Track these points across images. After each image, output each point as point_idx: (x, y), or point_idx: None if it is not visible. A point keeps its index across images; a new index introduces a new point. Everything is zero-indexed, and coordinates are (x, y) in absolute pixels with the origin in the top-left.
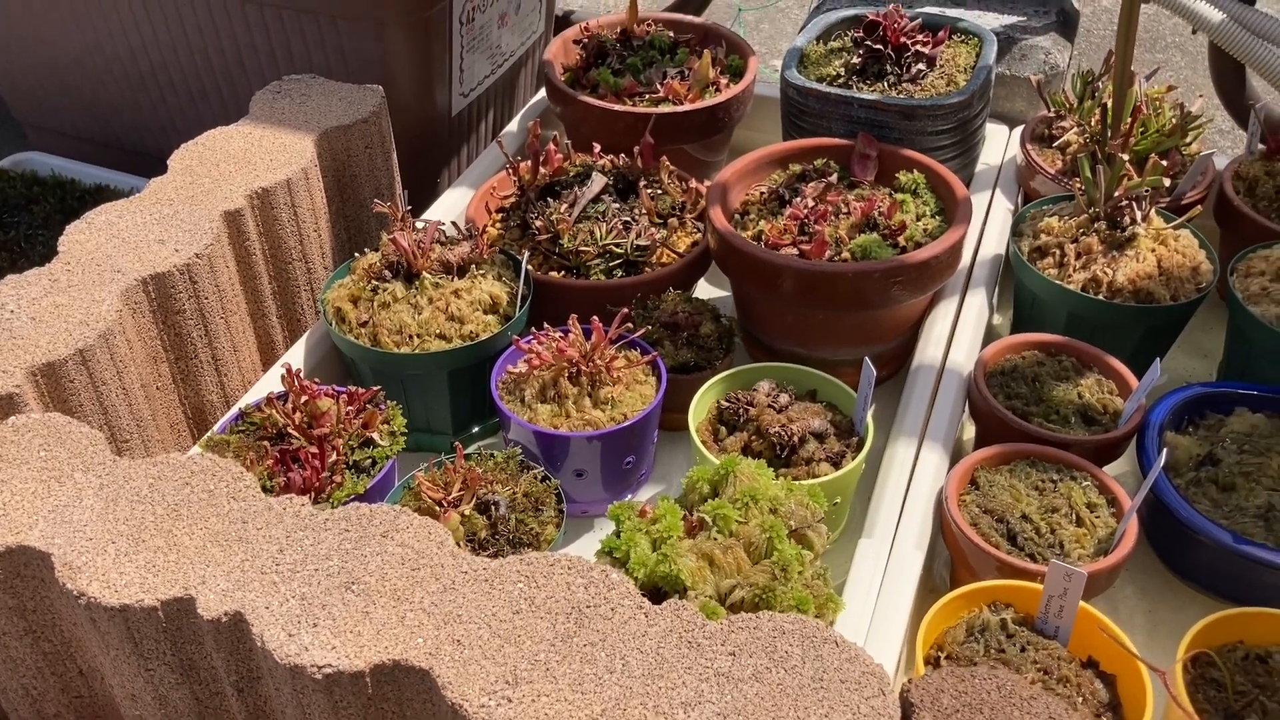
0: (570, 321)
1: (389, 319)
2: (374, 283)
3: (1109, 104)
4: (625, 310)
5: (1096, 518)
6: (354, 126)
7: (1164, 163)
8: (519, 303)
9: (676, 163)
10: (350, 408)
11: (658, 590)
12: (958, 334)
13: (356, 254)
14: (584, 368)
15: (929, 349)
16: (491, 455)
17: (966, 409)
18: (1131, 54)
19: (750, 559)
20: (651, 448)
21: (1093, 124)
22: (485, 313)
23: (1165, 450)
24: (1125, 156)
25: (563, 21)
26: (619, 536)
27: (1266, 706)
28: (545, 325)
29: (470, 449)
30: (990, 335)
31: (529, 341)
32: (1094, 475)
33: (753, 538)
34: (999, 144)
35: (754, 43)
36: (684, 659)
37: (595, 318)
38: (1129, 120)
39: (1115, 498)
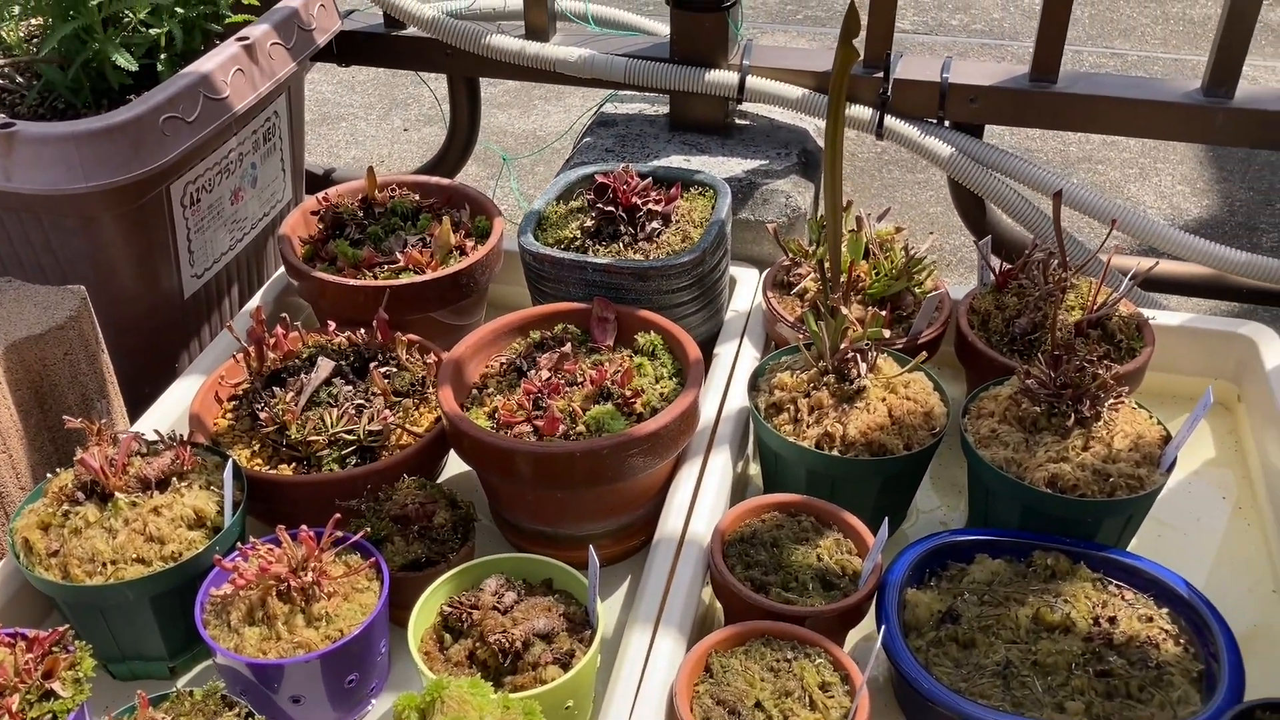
0: (278, 531)
1: (80, 547)
2: (65, 507)
3: (814, 251)
4: (336, 515)
5: (830, 698)
6: (48, 335)
7: (884, 311)
8: (231, 511)
9: (428, 331)
10: (30, 655)
11: None
12: (700, 499)
13: (49, 475)
14: (294, 582)
15: (670, 519)
16: (190, 694)
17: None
18: (840, 206)
19: None
20: (379, 659)
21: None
22: (190, 528)
23: (887, 626)
24: (846, 311)
25: (324, 180)
26: None
27: None
28: (278, 529)
29: (194, 671)
30: (746, 487)
31: (234, 559)
32: (828, 651)
33: None
34: (750, 289)
35: (529, 187)
36: None
37: (304, 526)
38: (861, 265)
39: (849, 674)
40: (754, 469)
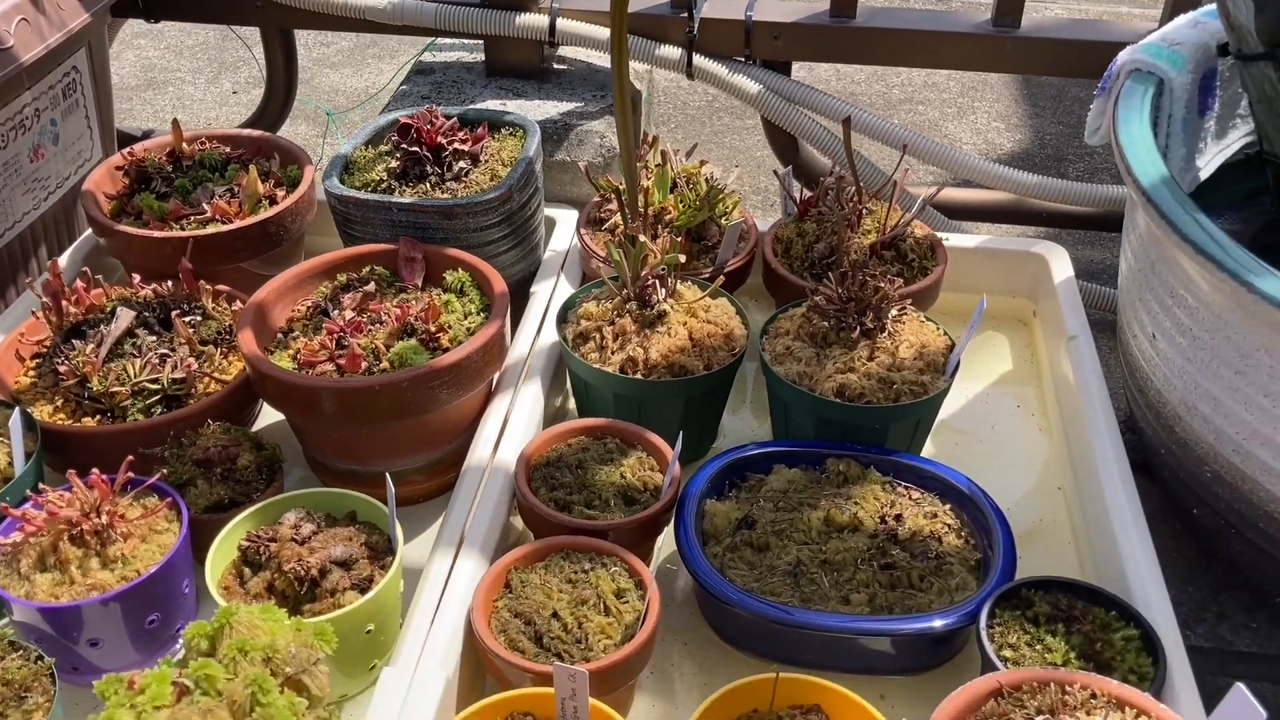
0: (69, 475)
1: None
2: None
3: (621, 187)
4: (129, 458)
5: (625, 604)
6: None
7: (692, 243)
8: (24, 461)
9: (243, 284)
10: None
11: None
12: (509, 429)
13: None
14: (86, 526)
15: (479, 449)
16: None
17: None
18: (633, 137)
19: (235, 719)
20: (183, 600)
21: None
22: None
23: (684, 534)
24: (645, 238)
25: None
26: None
27: None
28: (69, 473)
29: None
30: (563, 421)
31: (24, 508)
32: (624, 560)
33: (237, 696)
34: (568, 230)
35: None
36: None
37: (95, 470)
38: (669, 199)
39: (643, 580)
40: (572, 404)
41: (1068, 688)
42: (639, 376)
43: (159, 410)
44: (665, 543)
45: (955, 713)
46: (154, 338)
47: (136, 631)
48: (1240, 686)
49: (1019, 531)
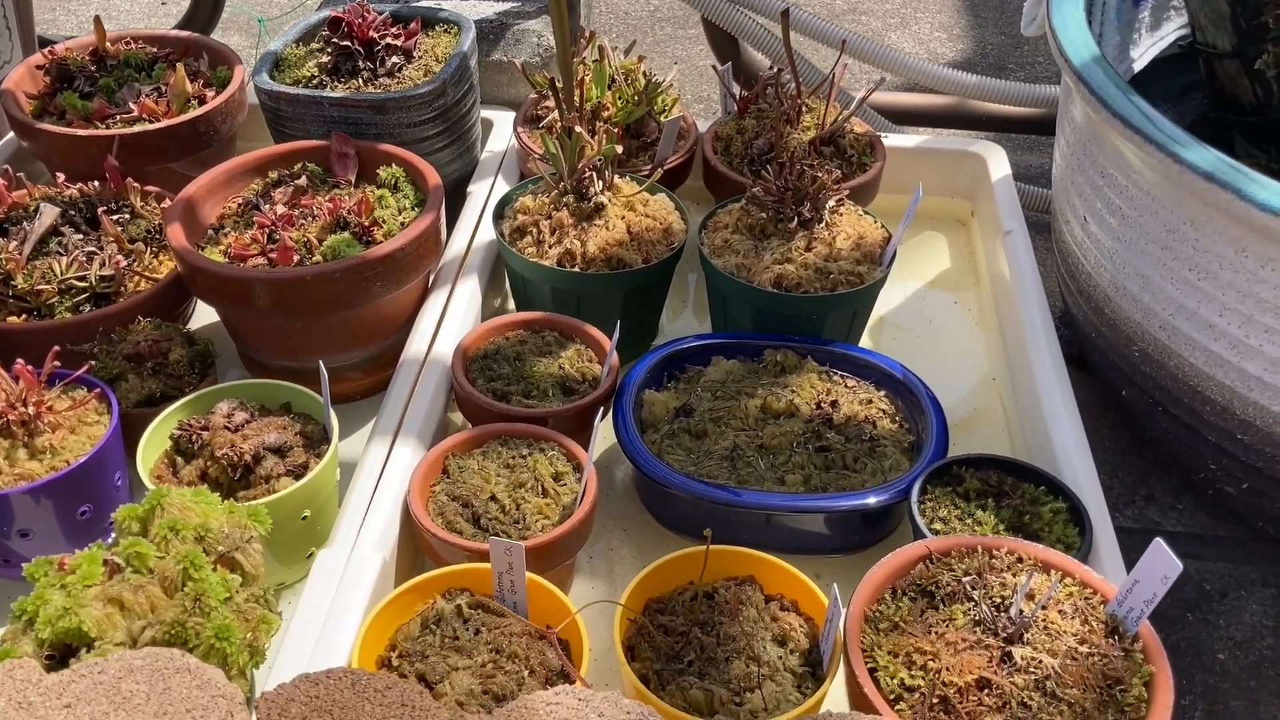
0: None
1: None
2: None
3: (558, 82)
4: (55, 348)
5: (562, 486)
6: None
7: (631, 139)
8: None
9: (170, 184)
10: None
11: (68, 648)
12: (445, 323)
13: None
14: (12, 416)
15: (415, 342)
16: None
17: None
18: (567, 30)
19: (167, 595)
20: (115, 492)
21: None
22: None
23: (622, 421)
24: (581, 129)
25: None
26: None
27: (703, 641)
28: None
29: None
30: None
31: None
32: (561, 445)
33: (169, 572)
34: (505, 130)
35: None
36: None
37: (20, 361)
38: (606, 95)
39: (581, 463)
40: (511, 305)
41: (994, 552)
42: (576, 270)
43: (87, 309)
44: (605, 437)
45: (885, 576)
46: (81, 236)
47: (68, 524)
48: (1159, 541)
49: (954, 422)
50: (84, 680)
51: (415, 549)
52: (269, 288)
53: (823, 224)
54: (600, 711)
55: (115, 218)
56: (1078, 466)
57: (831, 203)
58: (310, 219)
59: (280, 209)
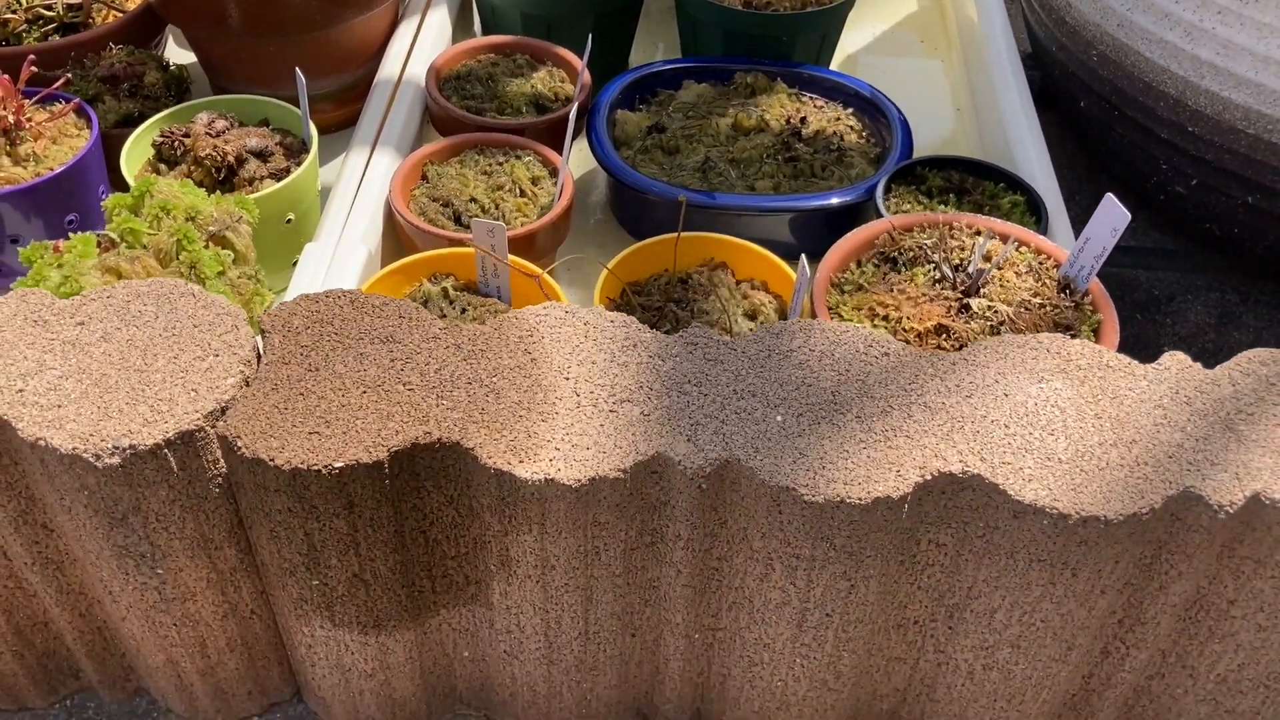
0: None
1: None
2: None
3: None
4: (32, 55)
5: (539, 189)
6: None
7: None
8: None
9: None
10: None
11: None
12: (417, 48)
13: None
14: None
15: (388, 64)
16: None
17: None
18: None
19: (162, 265)
20: (99, 205)
21: None
22: None
23: (596, 137)
24: None
25: None
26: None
27: (678, 315)
28: None
29: None
30: None
31: None
32: (536, 151)
33: (163, 245)
34: None
35: None
36: (27, 336)
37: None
38: None
39: (557, 168)
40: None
41: (954, 224)
42: None
43: (56, 40)
44: (579, 164)
45: (851, 248)
46: None
47: (56, 231)
48: (1110, 196)
49: (919, 149)
50: (94, 303)
51: (399, 251)
52: (240, 3)
53: None
54: (585, 319)
55: None
56: (1035, 165)
57: None
58: None
59: None
